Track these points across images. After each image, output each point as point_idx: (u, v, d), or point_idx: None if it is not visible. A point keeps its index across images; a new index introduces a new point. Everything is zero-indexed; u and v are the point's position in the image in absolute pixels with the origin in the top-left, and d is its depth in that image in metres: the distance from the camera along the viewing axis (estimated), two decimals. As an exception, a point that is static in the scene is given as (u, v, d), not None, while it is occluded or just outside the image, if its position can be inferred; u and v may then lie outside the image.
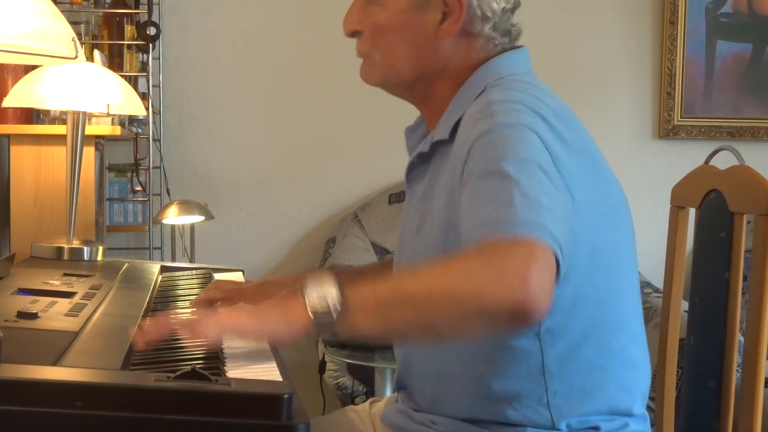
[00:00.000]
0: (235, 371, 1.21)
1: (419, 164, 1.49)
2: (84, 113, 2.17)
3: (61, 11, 1.35)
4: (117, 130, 2.58)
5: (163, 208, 3.17)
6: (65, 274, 1.80)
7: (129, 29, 3.29)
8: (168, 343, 1.36)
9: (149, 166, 3.38)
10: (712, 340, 1.64)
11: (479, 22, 1.43)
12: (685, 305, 1.80)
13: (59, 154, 2.40)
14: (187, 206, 3.12)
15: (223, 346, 1.39)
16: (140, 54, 3.31)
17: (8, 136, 2.47)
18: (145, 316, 1.53)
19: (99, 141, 2.63)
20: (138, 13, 3.26)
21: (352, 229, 3.49)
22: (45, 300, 1.49)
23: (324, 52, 3.50)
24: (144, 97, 3.22)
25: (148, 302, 1.65)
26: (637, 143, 3.76)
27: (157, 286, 1.91)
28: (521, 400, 1.35)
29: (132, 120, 3.21)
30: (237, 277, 2.15)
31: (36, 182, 2.44)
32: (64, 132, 2.20)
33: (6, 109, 2.36)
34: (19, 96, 2.10)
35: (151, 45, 3.25)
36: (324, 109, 3.63)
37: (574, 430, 1.36)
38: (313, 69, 3.59)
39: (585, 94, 3.67)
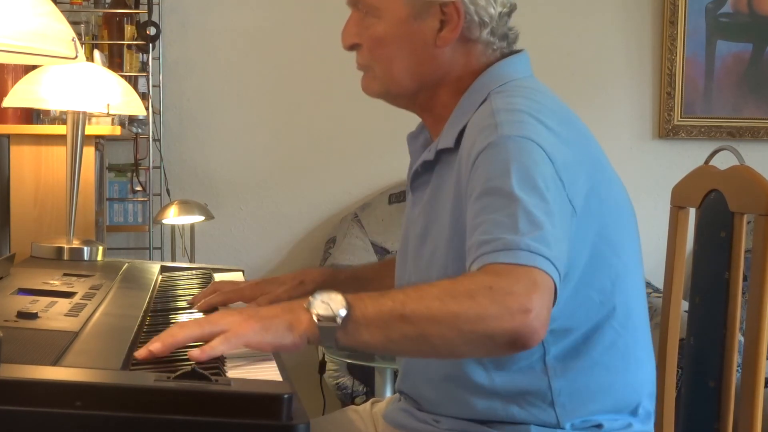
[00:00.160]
0: (235, 371, 1.21)
1: (423, 172, 1.49)
2: (84, 113, 2.17)
3: (61, 11, 1.35)
4: (117, 130, 2.58)
5: (163, 208, 3.17)
6: (65, 274, 1.80)
7: (129, 29, 3.29)
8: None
9: (149, 166, 3.38)
10: (712, 340, 1.64)
11: (477, 27, 1.44)
12: (685, 305, 1.80)
13: (59, 154, 2.40)
14: (187, 206, 3.12)
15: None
16: (140, 54, 3.31)
17: (8, 136, 2.47)
18: (145, 316, 1.53)
19: (99, 141, 2.63)
20: (138, 13, 3.26)
21: (352, 229, 3.49)
22: (45, 300, 1.49)
23: (324, 52, 3.50)
24: (144, 97, 3.22)
25: (148, 302, 1.65)
26: (637, 143, 3.76)
27: (157, 286, 1.91)
28: (526, 397, 1.36)
29: (132, 120, 3.21)
30: (237, 277, 2.15)
31: (36, 182, 2.44)
32: (64, 132, 2.19)
33: (6, 109, 2.36)
34: (19, 96, 2.10)
35: (151, 45, 3.25)
36: (324, 109, 3.63)
37: (578, 428, 1.37)
38: (313, 69, 3.59)
39: (585, 94, 3.67)
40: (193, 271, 2.15)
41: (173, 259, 3.34)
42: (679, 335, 1.82)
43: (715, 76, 3.74)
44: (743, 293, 1.60)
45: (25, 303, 1.44)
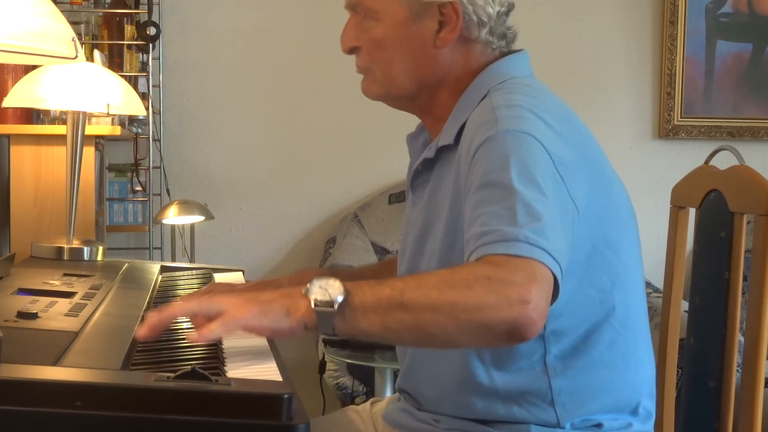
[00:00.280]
0: (235, 371, 1.21)
1: (424, 171, 1.50)
2: (84, 113, 2.17)
3: (61, 11, 1.35)
4: (117, 130, 2.58)
5: (163, 208, 3.17)
6: (65, 274, 1.80)
7: (129, 29, 3.29)
8: (168, 343, 1.36)
9: (149, 166, 3.38)
10: (712, 340, 1.64)
11: (476, 27, 1.44)
12: (685, 305, 1.80)
13: (59, 154, 2.40)
14: (187, 206, 3.12)
15: (222, 345, 1.39)
16: (140, 54, 3.31)
17: (8, 136, 2.47)
18: (145, 316, 1.53)
19: (99, 141, 2.63)
20: (138, 13, 3.26)
21: (352, 229, 3.49)
22: (45, 300, 1.49)
23: (324, 52, 3.50)
24: (144, 97, 3.22)
25: (148, 302, 1.65)
26: (637, 143, 3.76)
27: (157, 286, 1.91)
28: (526, 397, 1.36)
29: (132, 120, 3.21)
30: (237, 277, 2.15)
31: (36, 182, 2.44)
32: (64, 132, 2.20)
33: (6, 109, 2.36)
34: (19, 96, 2.10)
35: (151, 45, 3.25)
36: (324, 109, 3.63)
37: (578, 428, 1.37)
38: (313, 69, 3.59)
39: (585, 94, 3.67)
40: (193, 271, 2.15)
41: (173, 259, 3.34)
42: (679, 335, 1.82)
43: (715, 76, 3.74)
44: (743, 293, 1.60)
45: (25, 303, 1.44)
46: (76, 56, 1.30)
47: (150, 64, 3.31)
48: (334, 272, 1.75)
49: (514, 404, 1.37)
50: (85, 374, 1.05)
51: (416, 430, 1.47)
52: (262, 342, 1.42)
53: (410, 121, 1.58)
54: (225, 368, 1.21)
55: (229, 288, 1.71)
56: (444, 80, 1.46)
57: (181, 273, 2.13)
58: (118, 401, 0.92)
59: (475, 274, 1.16)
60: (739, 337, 1.62)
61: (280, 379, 1.19)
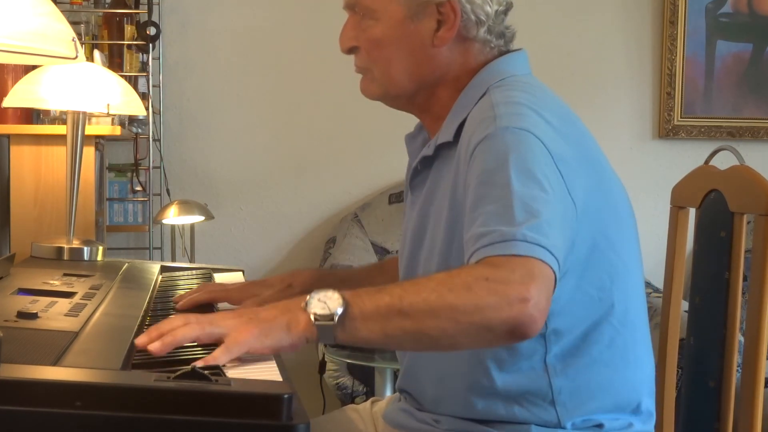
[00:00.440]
0: (234, 371, 1.21)
1: (423, 169, 1.50)
2: (84, 113, 2.17)
3: (61, 11, 1.35)
4: (117, 130, 2.58)
5: (163, 208, 3.17)
6: (65, 274, 1.80)
7: (129, 29, 3.29)
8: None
9: (149, 166, 3.38)
10: (712, 340, 1.64)
11: (474, 26, 1.44)
12: (685, 305, 1.80)
13: (59, 154, 2.40)
14: (187, 206, 3.11)
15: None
16: (140, 54, 3.31)
17: (8, 136, 2.47)
18: (145, 316, 1.53)
19: (99, 141, 2.63)
20: (138, 13, 3.26)
21: (352, 229, 3.49)
22: (45, 300, 1.49)
23: (324, 52, 3.50)
24: (144, 97, 3.22)
25: (148, 302, 1.65)
26: (637, 143, 3.76)
27: (157, 286, 1.91)
28: (527, 397, 1.36)
29: (132, 120, 3.21)
30: (237, 277, 2.15)
31: (36, 182, 2.44)
32: (64, 132, 2.19)
33: (6, 109, 2.36)
34: (19, 96, 2.10)
35: (151, 45, 3.25)
36: (324, 109, 3.63)
37: (579, 428, 1.37)
38: (313, 69, 3.59)
39: (585, 94, 3.67)
40: (193, 271, 2.15)
41: (173, 259, 3.34)
42: (679, 335, 1.82)
43: (715, 76, 3.74)
44: (743, 293, 1.60)
45: (25, 303, 1.44)
46: (76, 56, 1.30)
47: (150, 64, 3.31)
48: (323, 273, 1.73)
49: (515, 404, 1.37)
50: (85, 374, 1.05)
51: (416, 431, 1.47)
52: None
53: (410, 121, 1.58)
54: (225, 368, 1.21)
55: (219, 286, 1.71)
56: (442, 79, 1.46)
57: (181, 273, 2.13)
58: (118, 401, 0.92)
59: (473, 276, 1.16)
60: (739, 337, 1.62)
61: (280, 379, 1.19)
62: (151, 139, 3.36)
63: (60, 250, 2.14)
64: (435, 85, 1.47)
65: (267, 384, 1.02)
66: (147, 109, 3.18)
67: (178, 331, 1.20)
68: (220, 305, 1.67)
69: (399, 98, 1.50)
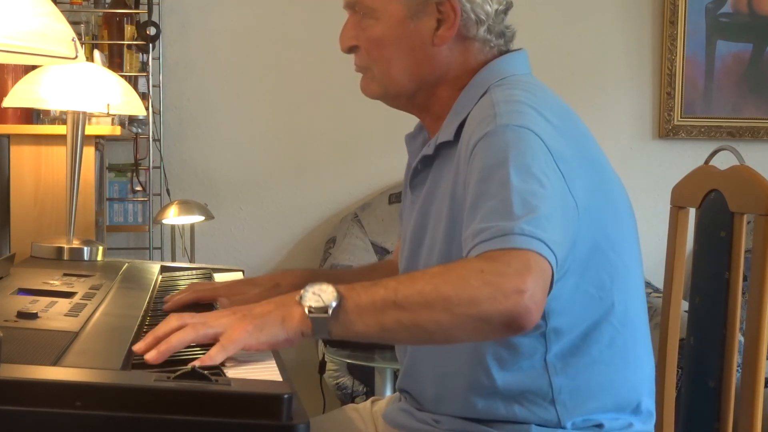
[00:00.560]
0: (235, 371, 1.21)
1: (423, 169, 1.50)
2: (84, 113, 2.17)
3: (61, 11, 1.35)
4: (117, 130, 2.58)
5: (163, 208, 3.17)
6: (65, 274, 1.80)
7: (129, 29, 3.29)
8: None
9: (149, 166, 3.38)
10: (712, 340, 1.64)
11: (474, 25, 1.44)
12: (685, 305, 1.80)
13: (59, 154, 2.40)
14: (187, 206, 3.11)
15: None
16: (140, 54, 3.32)
17: (8, 136, 2.47)
18: (145, 316, 1.53)
19: (99, 141, 2.63)
20: (138, 13, 3.26)
21: (352, 229, 3.49)
22: (45, 300, 1.49)
23: (324, 52, 3.50)
24: (144, 97, 3.22)
25: (148, 302, 1.65)
26: (637, 143, 3.76)
27: (157, 286, 1.91)
28: (527, 396, 1.36)
29: (132, 120, 3.21)
30: (237, 277, 2.14)
31: (36, 182, 2.44)
32: (64, 132, 2.19)
33: (6, 109, 2.36)
34: (19, 96, 2.10)
35: (151, 45, 3.25)
36: (324, 109, 3.63)
37: (579, 428, 1.37)
38: (313, 69, 3.59)
39: (585, 94, 3.67)
40: (193, 271, 2.15)
41: (173, 259, 3.34)
42: (679, 335, 1.82)
43: (715, 76, 3.74)
44: (743, 293, 1.60)
45: (25, 303, 1.44)
46: (76, 56, 1.30)
47: (150, 64, 3.31)
48: (312, 273, 1.72)
49: (515, 403, 1.37)
50: (85, 374, 1.05)
51: (416, 431, 1.47)
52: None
53: (410, 121, 1.58)
54: (225, 368, 1.21)
55: (206, 285, 1.70)
56: (443, 78, 1.47)
57: (181, 273, 2.13)
58: (118, 401, 0.92)
59: (468, 268, 1.16)
60: (739, 337, 1.62)
61: (280, 379, 1.19)
62: (151, 139, 3.36)
63: (60, 250, 2.14)
64: (435, 85, 1.47)
65: (267, 384, 1.02)
66: (147, 109, 3.18)
67: (173, 337, 1.19)
68: (222, 301, 1.66)
69: (399, 97, 1.50)
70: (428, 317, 1.15)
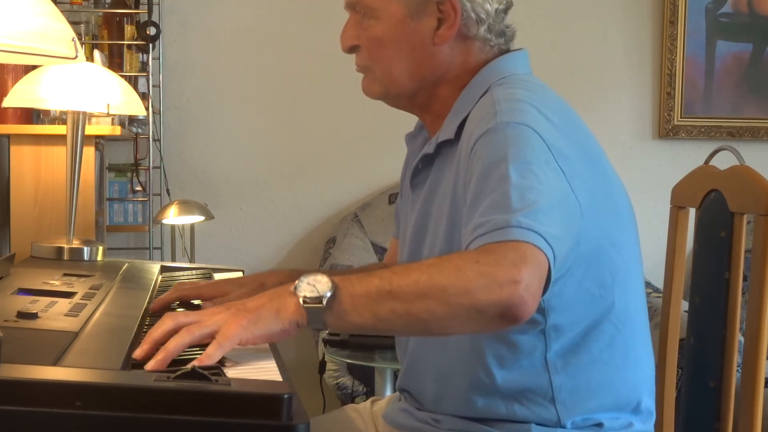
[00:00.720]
0: (234, 371, 1.21)
1: (423, 168, 1.50)
2: (84, 113, 2.17)
3: (61, 11, 1.35)
4: (117, 130, 2.58)
5: (163, 208, 3.17)
6: (65, 274, 1.80)
7: (129, 29, 3.29)
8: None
9: (149, 166, 3.38)
10: (712, 340, 1.64)
11: (474, 25, 1.44)
12: (685, 305, 1.80)
13: (59, 154, 2.40)
14: (187, 206, 3.12)
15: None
16: (140, 54, 3.32)
17: (8, 136, 2.47)
18: (145, 316, 1.53)
19: (99, 141, 2.63)
20: (138, 13, 3.26)
21: (352, 229, 3.49)
22: (45, 300, 1.49)
23: (324, 52, 3.50)
24: (144, 97, 3.22)
25: (148, 302, 1.65)
26: (637, 143, 3.76)
27: (157, 286, 1.91)
28: (527, 395, 1.36)
29: (132, 120, 3.21)
30: (237, 276, 2.14)
31: (36, 182, 2.44)
32: (64, 132, 2.19)
33: (6, 109, 2.36)
34: (19, 96, 2.10)
35: (151, 45, 3.25)
36: (324, 109, 3.63)
37: (579, 427, 1.37)
38: (313, 69, 3.59)
39: (585, 94, 3.67)
40: (193, 271, 2.15)
41: (173, 259, 3.34)
42: (679, 335, 1.82)
43: (715, 76, 3.74)
44: (743, 293, 1.60)
45: (25, 303, 1.44)
46: (76, 56, 1.30)
47: (150, 64, 3.31)
48: (298, 274, 1.71)
49: (515, 402, 1.37)
50: (85, 374, 1.05)
51: (416, 430, 1.47)
52: (262, 342, 1.42)
53: (410, 121, 1.58)
54: (225, 368, 1.21)
55: (190, 284, 1.69)
56: (443, 78, 1.47)
57: (181, 273, 2.13)
58: (118, 401, 0.92)
59: (464, 259, 1.16)
60: (739, 337, 1.62)
61: (280, 379, 1.19)
62: (151, 139, 3.36)
63: (60, 250, 2.14)
64: (436, 84, 1.47)
65: (267, 384, 1.02)
66: (147, 109, 3.18)
67: (170, 344, 1.18)
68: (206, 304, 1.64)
69: (400, 97, 1.50)
70: (423, 307, 1.15)
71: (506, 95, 1.36)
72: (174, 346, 1.17)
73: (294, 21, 3.60)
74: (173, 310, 1.56)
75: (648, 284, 3.24)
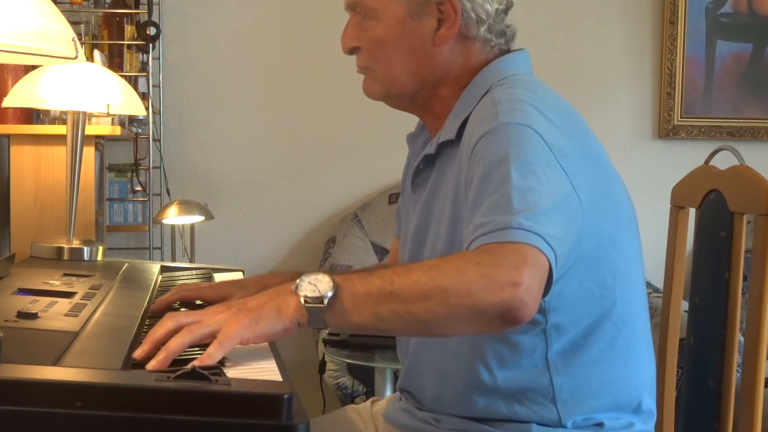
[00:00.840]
0: (234, 371, 1.21)
1: (425, 168, 1.50)
2: (84, 113, 2.17)
3: (61, 11, 1.35)
4: (117, 130, 2.58)
5: (163, 208, 3.17)
6: (65, 274, 1.80)
7: (129, 29, 3.29)
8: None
9: (149, 166, 3.38)
10: (712, 340, 1.64)
11: (474, 25, 1.44)
12: (685, 305, 1.80)
13: (59, 154, 2.40)
14: (187, 206, 3.12)
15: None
16: (140, 54, 3.32)
17: (8, 136, 2.47)
18: (145, 316, 1.53)
19: (99, 141, 2.63)
20: (138, 13, 3.26)
21: (352, 229, 3.49)
22: (45, 300, 1.49)
23: (324, 52, 3.50)
24: (144, 97, 3.22)
25: (148, 302, 1.65)
26: (637, 143, 3.76)
27: (157, 286, 1.91)
28: (528, 394, 1.36)
29: (132, 120, 3.21)
30: (237, 277, 2.14)
31: (36, 182, 2.44)
32: (64, 132, 2.19)
33: (6, 109, 2.36)
34: (19, 96, 2.10)
35: (151, 45, 3.25)
36: (324, 109, 3.63)
37: (580, 427, 1.37)
38: (314, 69, 3.59)
39: (585, 94, 3.67)
40: (193, 271, 2.15)
41: (173, 259, 3.34)
42: (679, 335, 1.82)
43: (715, 76, 3.74)
44: (743, 293, 1.60)
45: (25, 303, 1.44)
46: (76, 56, 1.30)
47: (150, 64, 3.31)
48: (299, 276, 1.72)
49: (516, 402, 1.37)
50: (85, 374, 1.05)
51: (417, 430, 1.47)
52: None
53: (410, 121, 1.58)
54: (225, 368, 1.21)
55: (192, 285, 1.70)
56: (444, 78, 1.47)
57: (181, 273, 2.13)
58: (118, 401, 0.91)
59: (465, 260, 1.16)
60: (739, 337, 1.62)
61: (280, 379, 1.19)
62: (151, 139, 3.36)
63: (60, 250, 2.14)
64: (436, 84, 1.47)
65: (267, 384, 1.01)
66: (147, 109, 3.18)
67: (171, 344, 1.18)
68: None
69: (401, 98, 1.50)
70: (423, 307, 1.15)
71: (507, 95, 1.36)
72: (175, 345, 1.17)
73: (294, 21, 3.60)
74: (175, 310, 1.56)
75: (648, 284, 3.24)
